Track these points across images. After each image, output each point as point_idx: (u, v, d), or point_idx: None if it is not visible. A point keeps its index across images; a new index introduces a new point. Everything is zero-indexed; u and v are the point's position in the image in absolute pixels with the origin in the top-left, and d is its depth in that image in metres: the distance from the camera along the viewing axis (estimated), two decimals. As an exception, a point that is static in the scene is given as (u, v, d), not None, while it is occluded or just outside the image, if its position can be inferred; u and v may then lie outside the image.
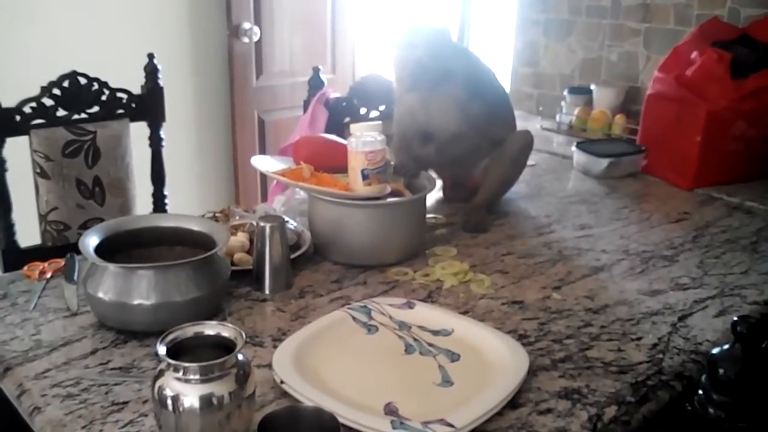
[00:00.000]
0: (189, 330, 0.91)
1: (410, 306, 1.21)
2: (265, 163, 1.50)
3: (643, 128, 2.18)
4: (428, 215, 1.60)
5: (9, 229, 1.84)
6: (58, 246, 1.87)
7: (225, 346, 0.89)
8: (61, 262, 1.37)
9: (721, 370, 0.91)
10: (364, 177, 1.38)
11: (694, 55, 2.04)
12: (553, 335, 1.19)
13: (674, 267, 1.49)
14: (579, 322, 1.24)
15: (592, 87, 2.59)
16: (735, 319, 0.88)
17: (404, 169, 1.57)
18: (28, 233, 1.91)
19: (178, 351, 0.88)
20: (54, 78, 1.85)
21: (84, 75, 1.89)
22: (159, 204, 2.11)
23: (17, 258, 1.79)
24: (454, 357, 1.09)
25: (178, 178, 2.46)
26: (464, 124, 1.66)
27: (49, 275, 1.35)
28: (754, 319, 0.87)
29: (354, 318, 1.18)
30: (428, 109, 1.66)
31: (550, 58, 2.81)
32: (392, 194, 1.46)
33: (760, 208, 1.85)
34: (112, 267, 1.12)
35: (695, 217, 1.79)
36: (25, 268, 1.37)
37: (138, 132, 2.02)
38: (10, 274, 1.37)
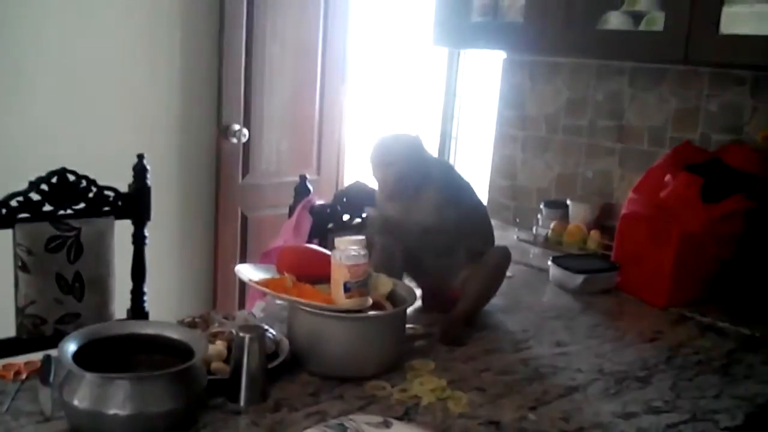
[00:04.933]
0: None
1: (387, 425, 1.21)
2: (247, 272, 1.52)
3: (617, 246, 2.23)
4: (407, 325, 1.61)
5: (-16, 321, 1.83)
6: (33, 339, 1.85)
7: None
8: (38, 362, 1.36)
9: None
10: (347, 290, 1.41)
11: (667, 178, 2.11)
12: (528, 459, 1.19)
13: (648, 389, 1.50)
14: (554, 445, 1.24)
15: (568, 202, 2.66)
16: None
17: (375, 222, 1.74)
18: (2, 324, 1.89)
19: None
20: (42, 173, 1.88)
21: (73, 172, 1.91)
22: (137, 301, 2.10)
23: (-10, 351, 1.77)
24: (429, 480, 1.08)
25: (159, 274, 2.45)
26: (443, 220, 1.72)
27: (24, 376, 1.33)
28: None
29: (330, 436, 1.17)
30: (409, 214, 1.73)
31: (527, 173, 2.90)
32: (373, 306, 1.48)
33: (731, 329, 1.88)
34: (88, 376, 1.12)
35: (669, 337, 1.82)
36: (0, 367, 1.35)
37: (121, 228, 2.03)
38: (-16, 375, 1.35)
